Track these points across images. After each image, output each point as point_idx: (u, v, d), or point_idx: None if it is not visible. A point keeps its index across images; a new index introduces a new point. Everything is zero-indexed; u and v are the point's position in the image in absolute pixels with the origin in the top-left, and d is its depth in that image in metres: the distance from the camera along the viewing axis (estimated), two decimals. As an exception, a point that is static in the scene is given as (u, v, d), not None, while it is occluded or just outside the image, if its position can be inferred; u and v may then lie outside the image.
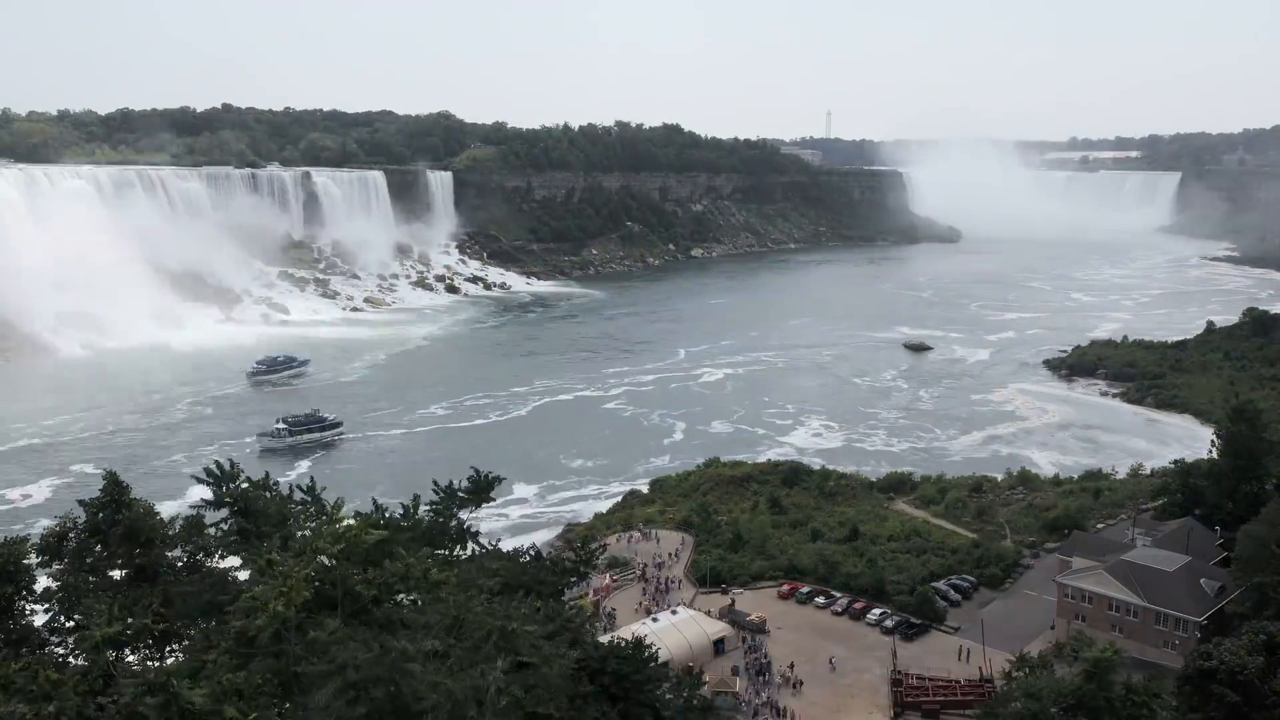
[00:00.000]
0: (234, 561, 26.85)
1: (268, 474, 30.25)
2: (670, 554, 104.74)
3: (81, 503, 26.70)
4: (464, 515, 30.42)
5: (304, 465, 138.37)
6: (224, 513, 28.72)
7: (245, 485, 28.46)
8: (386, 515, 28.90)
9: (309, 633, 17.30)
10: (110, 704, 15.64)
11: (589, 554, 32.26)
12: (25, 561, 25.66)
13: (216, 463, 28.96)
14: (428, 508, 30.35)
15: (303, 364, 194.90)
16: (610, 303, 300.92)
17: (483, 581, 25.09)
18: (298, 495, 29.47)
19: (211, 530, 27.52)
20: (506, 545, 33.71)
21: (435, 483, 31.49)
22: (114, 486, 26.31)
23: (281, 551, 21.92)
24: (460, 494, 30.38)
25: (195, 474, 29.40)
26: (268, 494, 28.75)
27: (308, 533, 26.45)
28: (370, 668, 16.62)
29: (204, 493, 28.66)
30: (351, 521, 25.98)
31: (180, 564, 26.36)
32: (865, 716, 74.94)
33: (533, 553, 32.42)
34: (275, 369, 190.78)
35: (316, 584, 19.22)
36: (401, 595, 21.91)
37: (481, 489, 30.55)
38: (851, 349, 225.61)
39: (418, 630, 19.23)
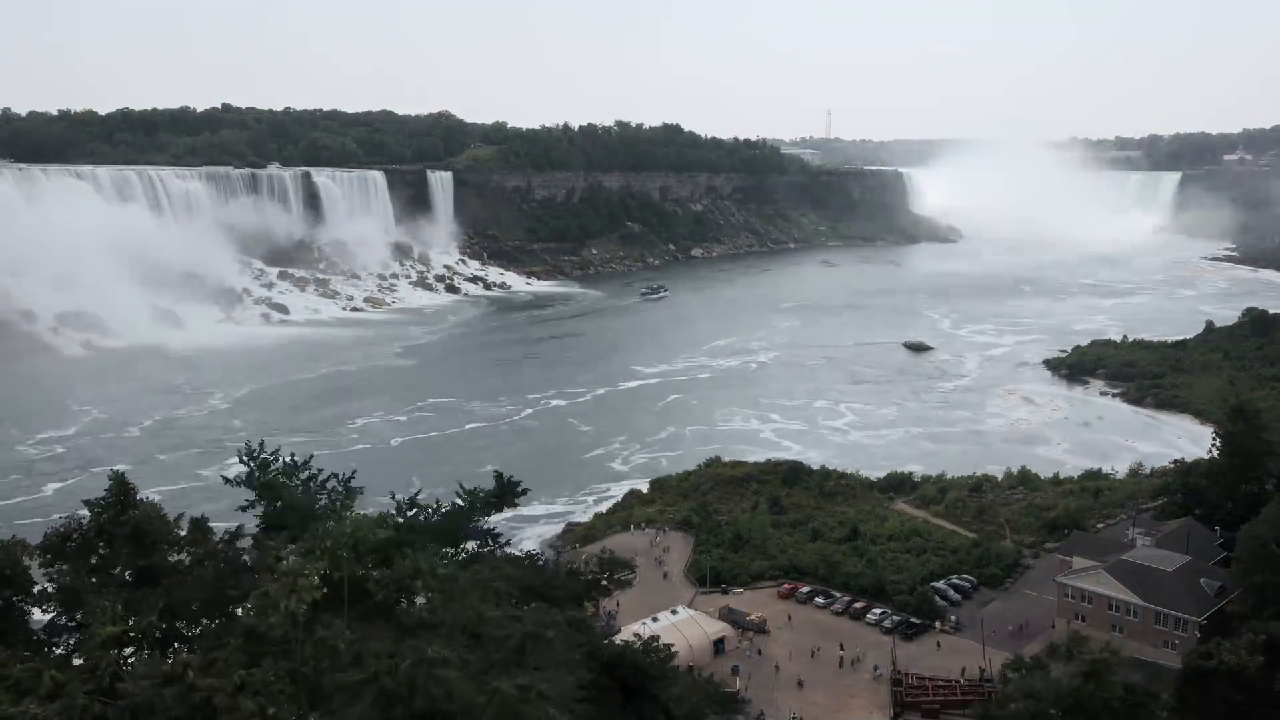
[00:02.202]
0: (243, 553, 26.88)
1: (294, 455, 30.24)
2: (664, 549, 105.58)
3: (87, 503, 26.63)
4: (488, 518, 30.58)
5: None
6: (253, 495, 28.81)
7: (278, 472, 28.49)
8: (407, 513, 28.97)
9: (317, 631, 17.29)
10: (122, 700, 15.61)
11: (612, 571, 32.40)
12: (26, 563, 25.60)
13: (247, 444, 28.99)
14: (450, 507, 30.59)
15: (665, 290, 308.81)
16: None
17: (498, 585, 25.12)
18: (332, 483, 29.52)
19: (220, 538, 27.51)
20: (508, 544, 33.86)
21: (460, 485, 31.84)
22: (120, 487, 26.22)
23: (290, 545, 21.93)
24: (485, 497, 30.56)
25: (239, 451, 29.38)
26: (297, 481, 28.81)
27: (312, 529, 26.47)
28: (406, 675, 16.61)
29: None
30: (357, 517, 26.02)
31: (185, 566, 26.29)
32: (865, 716, 75.07)
33: (544, 559, 32.55)
34: (653, 293, 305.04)
35: (327, 582, 19.23)
36: (413, 597, 21.91)
37: (505, 493, 30.77)
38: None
39: (435, 632, 19.22)
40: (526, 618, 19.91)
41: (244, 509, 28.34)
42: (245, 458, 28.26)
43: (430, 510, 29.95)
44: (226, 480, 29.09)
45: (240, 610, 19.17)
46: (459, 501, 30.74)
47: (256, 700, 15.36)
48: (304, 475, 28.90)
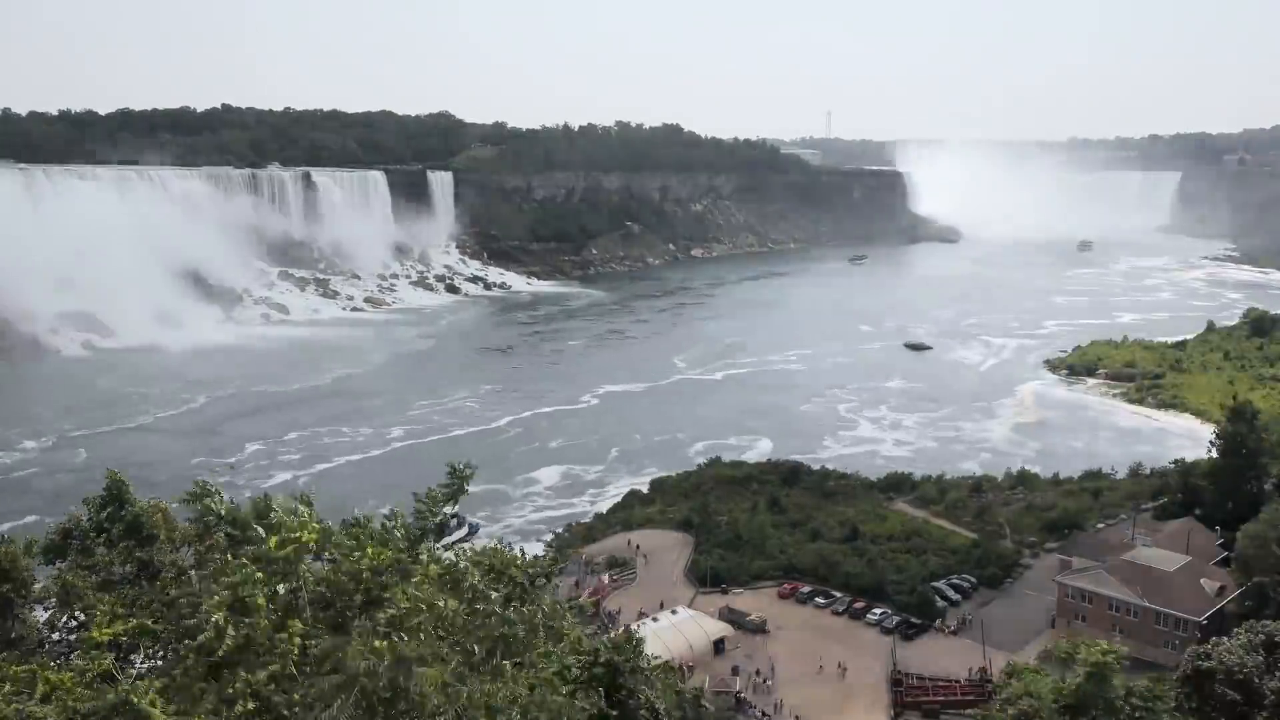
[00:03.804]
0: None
1: (267, 494, 30.59)
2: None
3: (85, 501, 26.66)
4: (446, 510, 30.79)
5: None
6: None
7: (227, 502, 28.57)
8: (365, 522, 29.05)
9: (279, 644, 17.22)
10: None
11: (560, 544, 33.16)
12: (26, 560, 25.57)
13: (195, 482, 29.16)
14: (411, 512, 30.86)
15: (867, 257, 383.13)
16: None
17: (477, 584, 25.09)
18: (284, 503, 29.72)
19: (220, 537, 27.51)
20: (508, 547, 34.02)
21: (415, 494, 32.25)
22: (116, 485, 26.21)
23: (257, 561, 21.86)
24: (442, 491, 30.79)
25: (178, 495, 29.60)
26: (252, 505, 28.93)
27: (278, 539, 26.49)
28: (384, 677, 16.54)
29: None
30: (317, 525, 25.96)
31: (187, 564, 26.25)
32: (865, 716, 75.06)
33: (507, 548, 32.66)
34: (859, 260, 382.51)
35: (288, 590, 19.21)
36: (386, 595, 21.82)
37: (458, 480, 31.07)
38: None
39: (412, 633, 19.19)
40: (501, 616, 19.89)
41: (201, 537, 28.38)
42: (192, 495, 28.29)
43: (391, 513, 30.15)
44: (190, 520, 29.09)
45: (203, 623, 19.08)
46: (420, 500, 31.04)
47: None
48: (261, 504, 29.07)
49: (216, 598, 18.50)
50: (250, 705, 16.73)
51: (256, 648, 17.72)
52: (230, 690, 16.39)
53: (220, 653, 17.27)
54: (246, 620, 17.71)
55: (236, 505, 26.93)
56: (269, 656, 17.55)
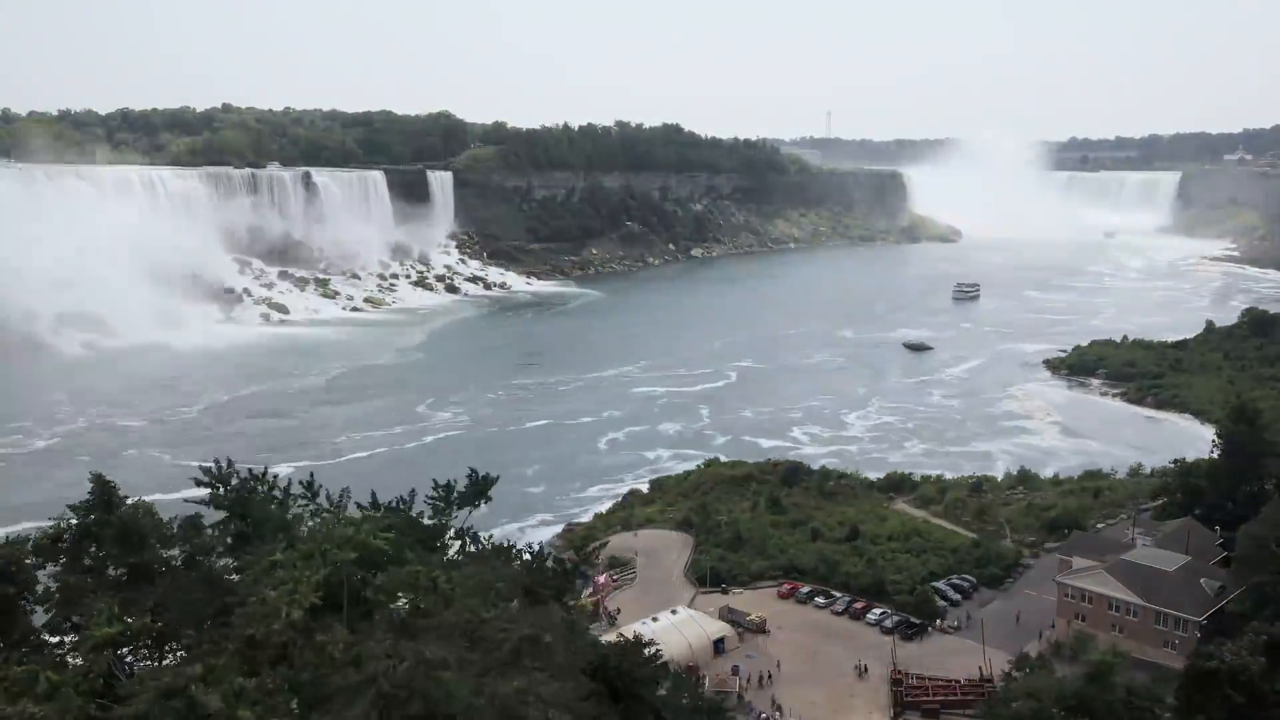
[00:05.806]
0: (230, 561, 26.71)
1: (266, 468, 30.13)
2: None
3: (71, 507, 26.44)
4: (461, 514, 30.51)
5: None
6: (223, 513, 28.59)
7: (242, 485, 28.37)
8: (388, 510, 28.88)
9: (316, 636, 17.17)
10: (118, 706, 15.49)
11: (587, 555, 32.79)
12: (26, 562, 25.47)
13: (215, 461, 28.89)
14: (426, 505, 30.54)
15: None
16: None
17: (498, 586, 25.03)
18: (296, 490, 29.47)
19: (210, 530, 27.41)
20: (506, 545, 33.68)
21: (435, 481, 31.65)
22: (101, 488, 26.07)
23: (287, 551, 21.80)
24: (459, 493, 30.50)
25: (193, 475, 29.32)
26: (263, 491, 28.68)
27: (309, 531, 26.34)
28: (404, 677, 16.48)
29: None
30: (356, 515, 25.88)
31: (177, 563, 26.15)
32: (865, 716, 75.00)
33: (534, 554, 32.49)
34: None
35: (325, 587, 19.18)
36: (405, 601, 21.79)
37: (480, 488, 30.74)
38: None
39: (432, 634, 19.11)
40: (523, 619, 19.84)
41: (213, 527, 28.12)
42: (209, 478, 28.05)
43: (405, 507, 29.88)
44: (200, 501, 28.79)
45: (236, 616, 18.98)
46: (434, 499, 30.64)
47: (254, 710, 15.22)
48: (266, 486, 28.70)
49: (275, 591, 18.50)
50: (284, 697, 16.81)
51: (299, 643, 17.75)
52: (270, 684, 16.47)
53: (275, 642, 17.31)
54: (298, 615, 17.70)
55: (251, 491, 26.75)
56: (312, 654, 17.57)
